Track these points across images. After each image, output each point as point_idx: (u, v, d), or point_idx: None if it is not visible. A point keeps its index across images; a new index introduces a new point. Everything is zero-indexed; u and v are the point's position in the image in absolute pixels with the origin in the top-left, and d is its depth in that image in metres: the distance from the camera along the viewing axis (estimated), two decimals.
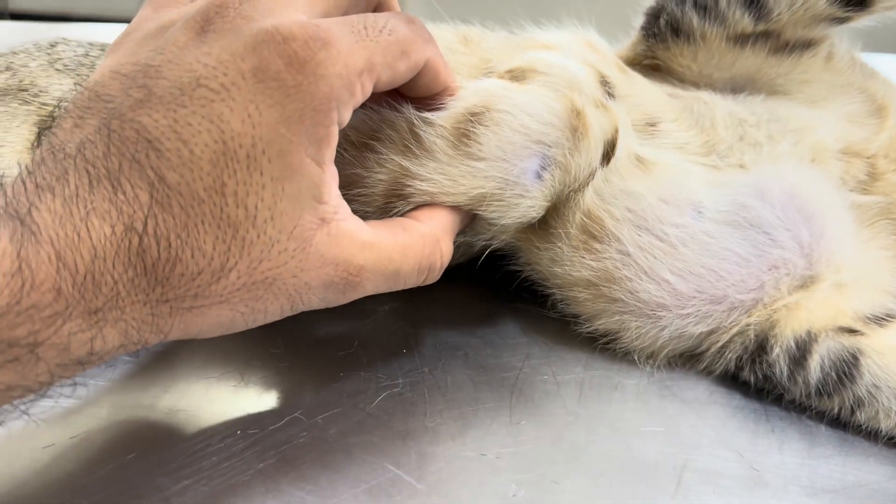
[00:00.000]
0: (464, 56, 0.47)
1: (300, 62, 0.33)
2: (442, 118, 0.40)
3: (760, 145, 0.45)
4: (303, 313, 0.46)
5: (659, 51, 0.48)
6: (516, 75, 0.43)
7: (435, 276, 0.40)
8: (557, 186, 0.41)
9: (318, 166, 0.34)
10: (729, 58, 0.47)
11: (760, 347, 0.40)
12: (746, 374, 0.41)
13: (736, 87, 0.48)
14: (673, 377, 0.42)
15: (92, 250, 0.30)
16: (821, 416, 0.40)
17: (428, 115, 0.40)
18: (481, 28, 0.52)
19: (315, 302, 0.36)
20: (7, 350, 0.29)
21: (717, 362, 0.42)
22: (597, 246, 0.42)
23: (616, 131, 0.43)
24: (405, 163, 0.40)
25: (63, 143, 0.32)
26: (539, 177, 0.41)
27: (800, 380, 0.40)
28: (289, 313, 0.36)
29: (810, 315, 0.41)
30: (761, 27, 0.45)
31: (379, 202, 0.40)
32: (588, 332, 0.44)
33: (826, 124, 0.47)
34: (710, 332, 0.41)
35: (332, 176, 0.35)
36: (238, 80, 0.32)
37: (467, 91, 0.41)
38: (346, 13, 0.37)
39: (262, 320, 0.35)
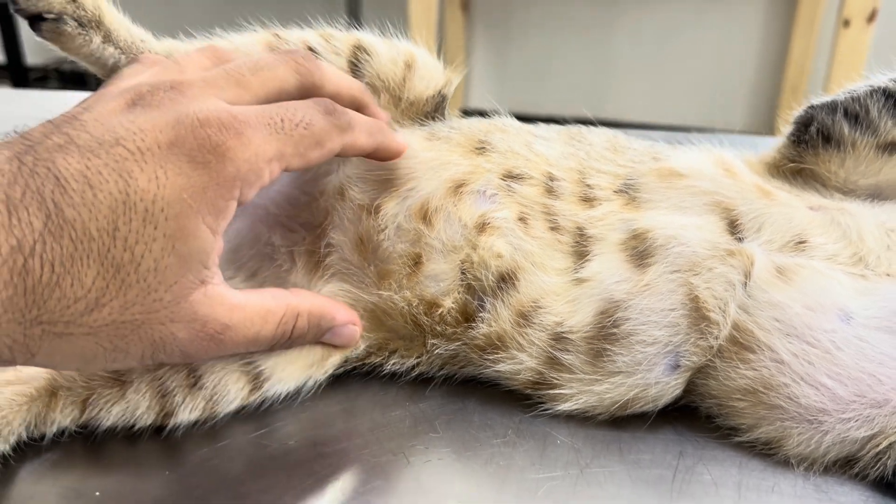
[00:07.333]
0: (612, 164, 0.51)
1: (212, 145, 0.37)
2: (575, 330, 0.45)
3: None
4: (459, 401, 0.49)
5: (807, 157, 0.49)
6: (637, 246, 0.46)
7: (288, 346, 0.44)
8: (697, 364, 0.45)
9: (213, 234, 0.38)
10: (876, 165, 0.48)
11: None
12: None
13: (880, 195, 0.49)
14: (828, 481, 0.43)
15: None
16: None
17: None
18: (626, 137, 0.55)
19: (176, 354, 0.39)
20: None
21: (873, 467, 0.42)
22: (751, 356, 0.44)
23: (752, 265, 0.45)
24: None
25: None
26: (676, 368, 0.45)
27: None
28: (149, 361, 0.39)
29: None
30: None
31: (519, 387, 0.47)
32: (748, 442, 0.44)
33: None
34: (872, 437, 0.42)
35: (220, 246, 0.39)
36: (153, 148, 0.37)
37: (593, 290, 0.45)
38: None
39: (121, 361, 0.38)
